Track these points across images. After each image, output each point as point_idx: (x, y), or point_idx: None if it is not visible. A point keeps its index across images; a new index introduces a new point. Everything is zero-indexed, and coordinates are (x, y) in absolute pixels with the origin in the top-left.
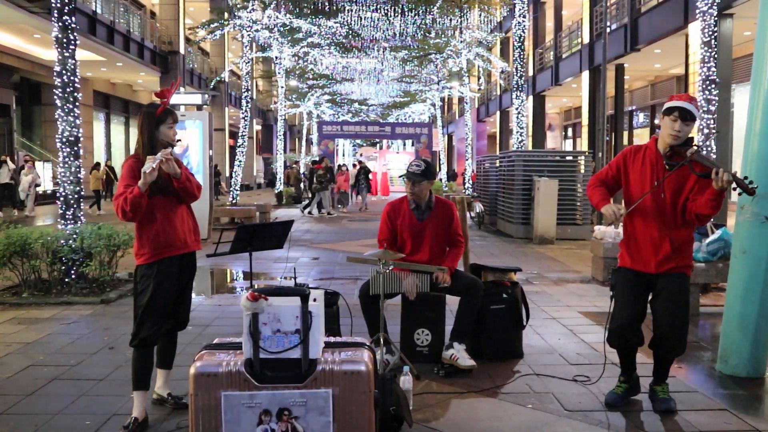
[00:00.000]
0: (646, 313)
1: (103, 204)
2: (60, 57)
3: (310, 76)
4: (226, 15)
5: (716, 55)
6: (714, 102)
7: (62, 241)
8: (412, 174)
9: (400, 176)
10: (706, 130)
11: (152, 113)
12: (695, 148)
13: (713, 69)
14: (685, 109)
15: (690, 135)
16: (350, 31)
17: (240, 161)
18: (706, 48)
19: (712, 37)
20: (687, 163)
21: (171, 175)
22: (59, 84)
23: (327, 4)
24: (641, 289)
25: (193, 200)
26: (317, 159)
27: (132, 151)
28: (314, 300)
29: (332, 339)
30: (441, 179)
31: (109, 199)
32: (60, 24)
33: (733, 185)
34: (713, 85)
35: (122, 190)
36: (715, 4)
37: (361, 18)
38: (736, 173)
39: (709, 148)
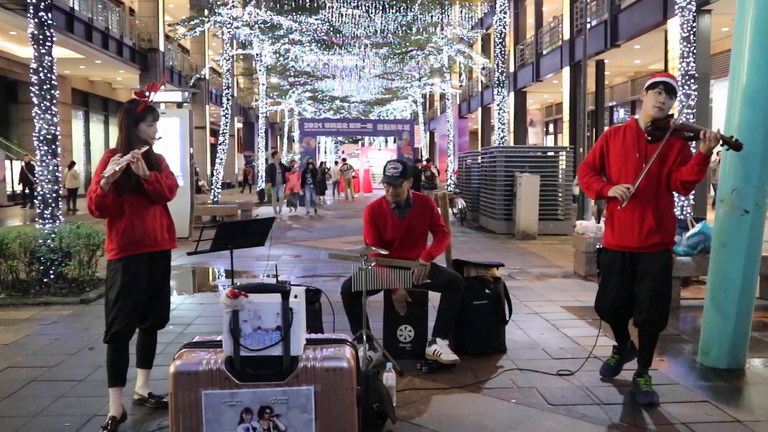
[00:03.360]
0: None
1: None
2: (36, 54)
3: (292, 73)
4: (206, 12)
5: (695, 51)
6: (693, 97)
7: (40, 241)
8: (390, 177)
9: (380, 182)
10: None
11: (132, 110)
12: (676, 116)
13: (692, 64)
14: (669, 83)
15: (671, 112)
16: (331, 28)
17: (221, 159)
18: (685, 43)
19: (691, 32)
20: (673, 133)
21: (140, 176)
22: (36, 81)
23: (308, 0)
24: (626, 266)
25: (164, 201)
26: (428, 158)
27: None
28: (295, 297)
29: (314, 336)
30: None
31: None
32: (36, 20)
33: (721, 143)
34: (692, 81)
35: (93, 187)
36: (693, 0)
37: (342, 15)
38: (719, 130)
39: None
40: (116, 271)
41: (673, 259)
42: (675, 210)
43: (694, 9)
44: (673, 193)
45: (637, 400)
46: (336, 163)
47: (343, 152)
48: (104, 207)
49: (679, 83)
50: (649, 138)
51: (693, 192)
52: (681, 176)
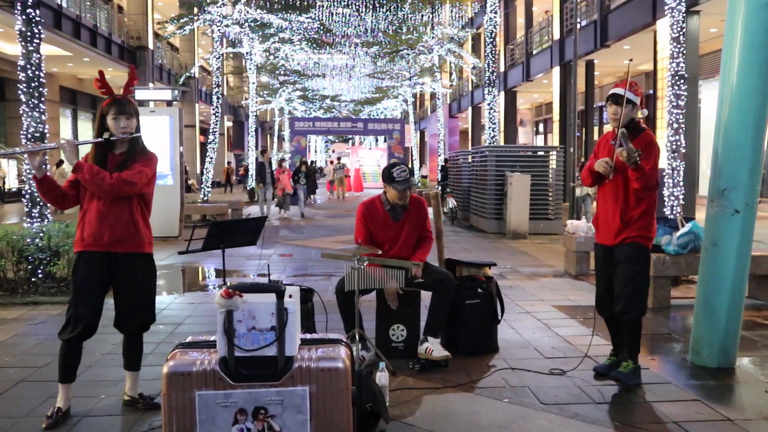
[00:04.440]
0: None
1: None
2: (24, 51)
3: (282, 72)
4: (195, 10)
5: (684, 51)
6: (683, 97)
7: (28, 240)
8: (405, 181)
9: (393, 183)
10: (675, 125)
11: (101, 103)
12: (623, 130)
13: (682, 65)
14: (615, 93)
15: (636, 117)
16: (322, 27)
17: (211, 158)
18: (674, 44)
19: (681, 33)
20: (617, 144)
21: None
22: (24, 79)
23: None
24: (608, 259)
25: (107, 196)
26: (447, 157)
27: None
28: (290, 296)
29: (308, 336)
30: (418, 174)
31: None
32: (24, 17)
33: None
34: (682, 81)
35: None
36: (683, 0)
37: (332, 14)
38: (630, 150)
39: (678, 142)
40: (73, 266)
41: (643, 252)
42: (665, 209)
43: (683, 10)
44: (649, 195)
45: (610, 375)
46: (331, 162)
47: (333, 151)
48: (45, 195)
49: (669, 83)
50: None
51: (682, 191)
52: (630, 182)
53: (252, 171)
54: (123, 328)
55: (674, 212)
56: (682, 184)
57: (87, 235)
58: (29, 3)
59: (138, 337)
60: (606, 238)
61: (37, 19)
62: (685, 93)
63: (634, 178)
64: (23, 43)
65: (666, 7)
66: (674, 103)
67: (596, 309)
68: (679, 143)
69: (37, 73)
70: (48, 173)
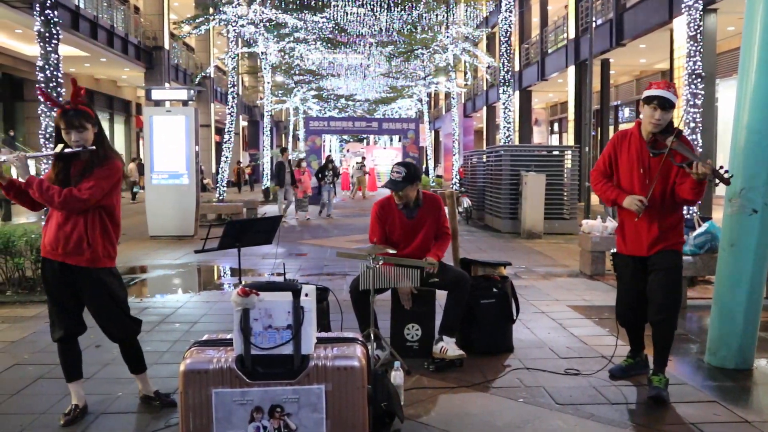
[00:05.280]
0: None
1: None
2: (42, 52)
3: (297, 72)
4: (210, 10)
5: (702, 50)
6: (700, 96)
7: None
8: (392, 183)
9: (382, 186)
10: (692, 124)
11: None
12: (673, 138)
13: (699, 63)
14: (665, 98)
15: (671, 120)
16: (337, 27)
17: (226, 157)
18: (692, 42)
19: (698, 31)
20: (668, 152)
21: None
22: (42, 79)
23: None
24: (638, 271)
25: (58, 209)
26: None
27: (117, 147)
28: (306, 295)
29: (324, 334)
30: (433, 174)
31: None
32: (42, 18)
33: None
34: (699, 80)
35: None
36: None
37: (347, 13)
38: (710, 164)
39: (695, 142)
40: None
41: (681, 258)
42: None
43: (700, 8)
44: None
45: (647, 394)
46: (357, 162)
47: (348, 150)
48: (14, 199)
49: (686, 82)
50: (651, 154)
51: None
52: (680, 193)
53: (266, 170)
54: (108, 336)
55: (691, 212)
56: None
57: (47, 243)
58: (47, 4)
59: (132, 342)
60: (638, 249)
61: (55, 20)
62: (702, 92)
63: (695, 192)
64: (41, 44)
65: (683, 5)
66: (691, 102)
67: (618, 319)
68: (696, 142)
69: (55, 73)
70: (13, 177)
